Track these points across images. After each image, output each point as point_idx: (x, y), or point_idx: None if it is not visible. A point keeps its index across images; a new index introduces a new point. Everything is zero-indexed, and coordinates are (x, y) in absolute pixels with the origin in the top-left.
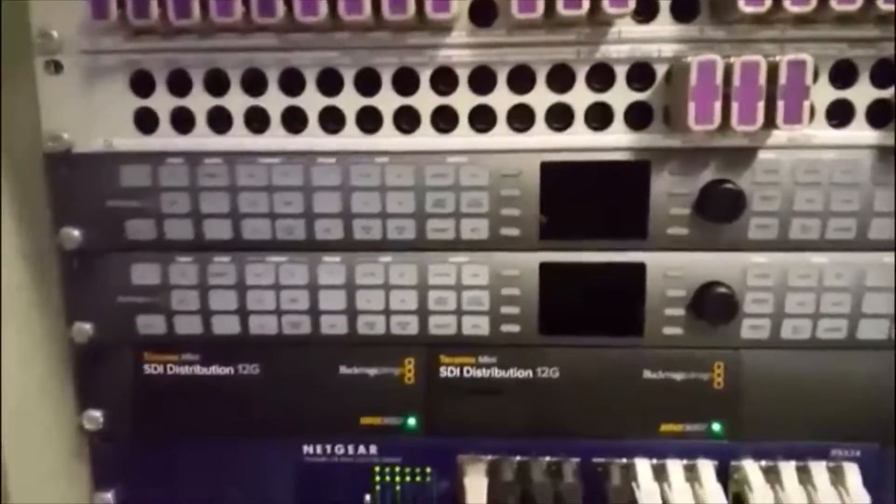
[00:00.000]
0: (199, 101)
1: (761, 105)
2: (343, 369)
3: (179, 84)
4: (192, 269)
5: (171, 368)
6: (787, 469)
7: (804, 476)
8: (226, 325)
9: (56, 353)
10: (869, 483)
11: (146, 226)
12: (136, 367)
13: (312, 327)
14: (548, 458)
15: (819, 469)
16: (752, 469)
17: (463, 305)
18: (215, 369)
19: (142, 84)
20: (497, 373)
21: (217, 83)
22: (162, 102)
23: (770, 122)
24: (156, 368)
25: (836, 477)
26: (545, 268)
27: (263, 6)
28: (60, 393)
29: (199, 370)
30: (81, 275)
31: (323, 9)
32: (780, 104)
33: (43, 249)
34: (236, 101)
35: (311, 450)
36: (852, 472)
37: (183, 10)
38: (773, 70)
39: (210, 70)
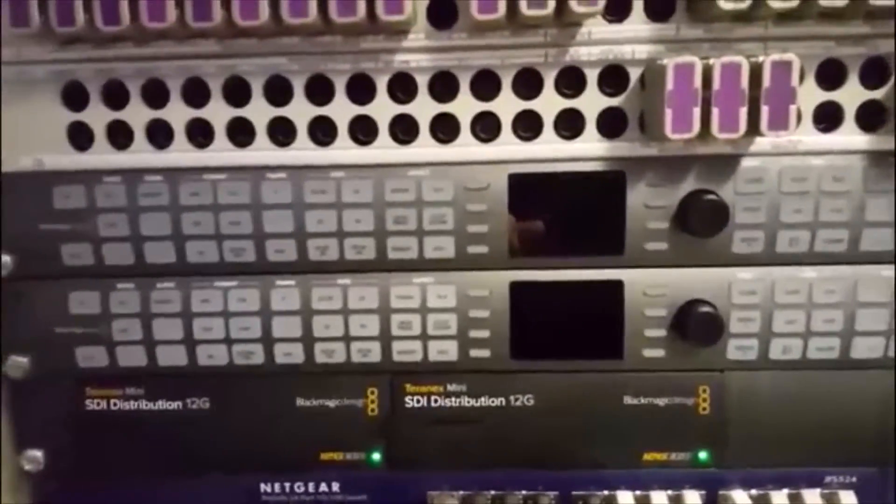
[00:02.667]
0: (137, 114)
1: (744, 110)
2: (300, 401)
3: (115, 96)
4: (134, 297)
5: (114, 404)
6: (779, 498)
7: None
8: (172, 357)
9: None
10: None
11: (83, 250)
12: (77, 403)
13: (266, 357)
14: (524, 492)
15: (813, 497)
16: (741, 499)
17: (429, 330)
18: (162, 404)
19: (74, 96)
20: (467, 401)
21: (156, 94)
22: (97, 116)
23: (753, 129)
24: (98, 404)
25: None
26: (516, 287)
27: (199, 9)
28: None
29: (144, 405)
30: (15, 304)
31: (264, 11)
32: (765, 109)
33: None
34: (177, 113)
35: (268, 488)
36: (849, 500)
37: (111, 15)
38: (755, 72)
39: (148, 80)
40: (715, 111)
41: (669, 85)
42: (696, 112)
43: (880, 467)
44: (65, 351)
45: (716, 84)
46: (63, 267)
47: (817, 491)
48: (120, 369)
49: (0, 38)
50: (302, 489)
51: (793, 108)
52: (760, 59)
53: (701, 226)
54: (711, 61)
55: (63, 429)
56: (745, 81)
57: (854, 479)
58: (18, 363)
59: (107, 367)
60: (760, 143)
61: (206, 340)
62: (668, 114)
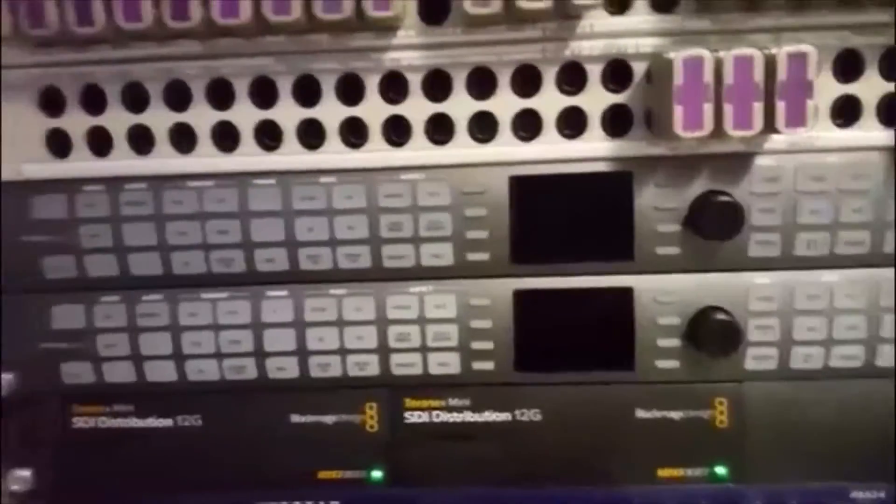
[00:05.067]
0: (118, 119)
1: (759, 106)
2: (296, 418)
3: (94, 101)
4: (120, 310)
5: (102, 422)
6: None
7: None
8: (160, 372)
9: None
10: None
11: (65, 263)
12: (64, 421)
13: (258, 371)
14: None
15: None
16: None
17: (428, 341)
18: (152, 421)
19: (52, 102)
20: (470, 416)
21: (136, 98)
22: (76, 122)
23: (769, 126)
24: (86, 422)
25: None
26: (520, 296)
27: (176, 8)
28: None
29: (133, 423)
30: None
31: (246, 10)
32: (781, 104)
33: None
34: (159, 118)
35: None
36: None
37: (84, 16)
38: (770, 64)
39: (127, 84)
40: (728, 107)
41: (678, 80)
42: (708, 108)
43: None
44: (50, 367)
45: (728, 78)
46: (45, 280)
47: None
48: (107, 386)
49: None
50: None
51: (810, 102)
52: (774, 51)
53: (714, 228)
54: (722, 54)
55: (50, 447)
56: (759, 75)
57: (882, 495)
58: (5, 380)
59: (94, 384)
60: (775, 140)
61: (195, 355)
62: (678, 111)
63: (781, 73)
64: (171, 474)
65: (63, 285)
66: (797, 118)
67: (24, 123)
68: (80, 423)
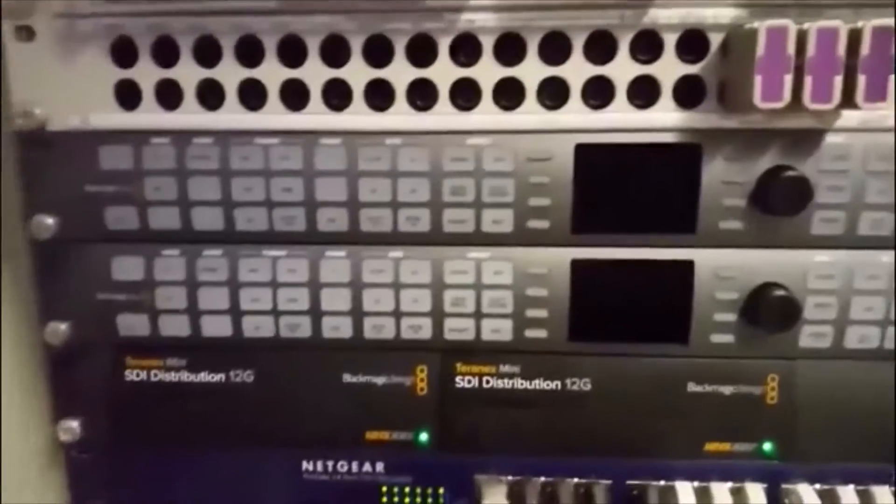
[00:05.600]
0: (188, 73)
1: (839, 79)
2: (347, 377)
3: (166, 53)
4: (179, 264)
5: (154, 375)
6: (847, 494)
7: (866, 501)
8: (216, 327)
9: (28, 356)
10: None
11: (128, 214)
12: (116, 373)
13: (313, 330)
14: (576, 480)
15: (884, 494)
16: (807, 493)
17: (483, 307)
18: (204, 376)
19: (124, 53)
20: (520, 383)
21: (208, 52)
22: (146, 74)
23: (848, 100)
24: (138, 374)
25: None
26: (577, 265)
27: None
28: (33, 400)
29: (186, 377)
30: (56, 269)
31: None
32: (862, 78)
33: (13, 239)
34: (230, 73)
35: (310, 466)
36: None
37: None
38: (853, 38)
39: (200, 37)
40: (808, 80)
41: (760, 50)
42: (788, 80)
43: None
44: (105, 318)
45: (810, 50)
46: (107, 231)
47: (887, 489)
48: (162, 339)
49: None
50: (345, 468)
51: (892, 78)
52: (860, 24)
53: (782, 203)
54: (806, 26)
55: (101, 399)
56: (842, 49)
57: None
58: (57, 330)
59: (149, 337)
60: (847, 117)
61: (252, 311)
62: (758, 81)
63: (865, 48)
64: (221, 430)
65: (124, 236)
66: (878, 92)
67: (94, 74)
68: (132, 375)
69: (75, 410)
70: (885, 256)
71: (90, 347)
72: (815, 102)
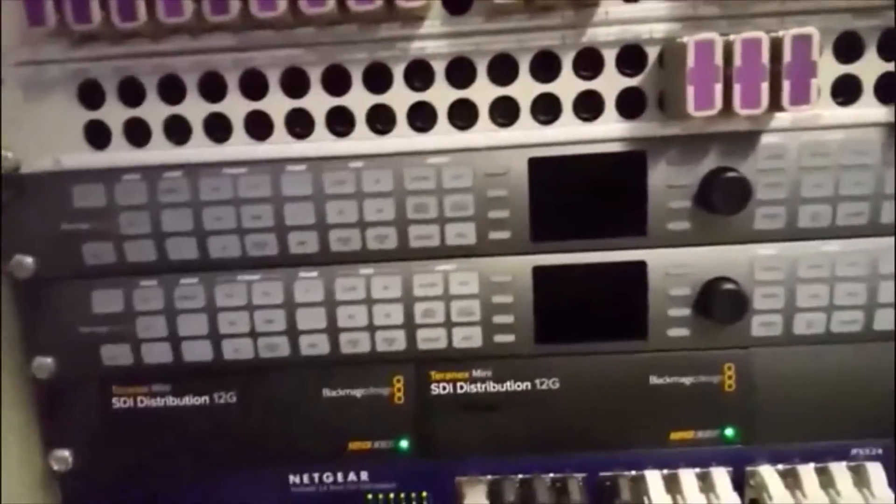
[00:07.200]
0: (154, 111)
1: (765, 86)
2: (327, 392)
3: (132, 93)
4: (158, 293)
5: (141, 401)
6: (807, 472)
7: (825, 479)
8: (197, 352)
9: (17, 391)
10: (894, 482)
11: (105, 249)
12: (103, 402)
13: (291, 349)
14: (551, 475)
15: (840, 470)
16: (769, 474)
17: (452, 317)
18: (189, 400)
19: (91, 95)
20: (493, 387)
21: (173, 90)
22: (114, 114)
23: (775, 104)
24: (125, 402)
25: (859, 478)
26: (539, 272)
27: (216, 4)
28: (25, 432)
29: (171, 401)
30: (38, 306)
31: (282, 3)
32: (786, 83)
33: None
34: (194, 109)
35: (297, 479)
36: (876, 472)
37: (128, 11)
38: (776, 47)
39: (164, 76)
40: (737, 87)
41: (691, 62)
42: (719, 89)
43: None
44: (89, 350)
45: (737, 60)
46: (85, 266)
47: (844, 464)
48: (146, 367)
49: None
50: (331, 479)
51: (814, 82)
52: (780, 33)
53: (723, 203)
54: (732, 38)
55: (90, 428)
56: (765, 57)
57: (880, 451)
58: (44, 364)
59: (133, 366)
60: (780, 118)
61: (230, 335)
62: (690, 91)
63: (787, 55)
64: (207, 451)
65: (102, 271)
66: (802, 96)
67: (64, 116)
68: (119, 403)
69: (66, 440)
70: (826, 246)
71: (77, 379)
72: (745, 108)
